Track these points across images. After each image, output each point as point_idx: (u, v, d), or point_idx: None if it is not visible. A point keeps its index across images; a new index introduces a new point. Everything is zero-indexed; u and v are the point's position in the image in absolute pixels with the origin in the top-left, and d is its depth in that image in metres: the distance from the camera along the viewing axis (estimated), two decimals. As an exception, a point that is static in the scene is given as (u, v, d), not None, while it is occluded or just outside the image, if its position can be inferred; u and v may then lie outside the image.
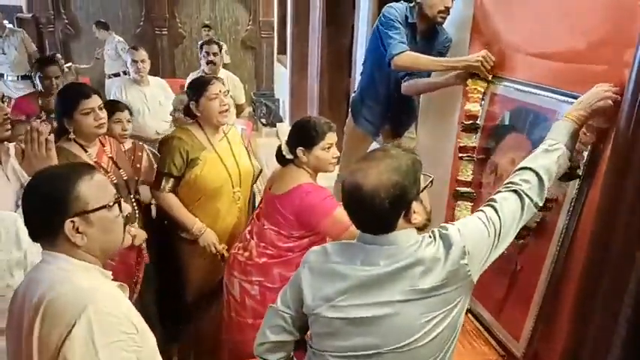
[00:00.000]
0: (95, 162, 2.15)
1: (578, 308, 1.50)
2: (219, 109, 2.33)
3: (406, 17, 2.37)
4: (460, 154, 1.99)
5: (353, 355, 1.26)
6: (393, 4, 2.40)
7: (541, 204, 1.36)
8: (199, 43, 4.45)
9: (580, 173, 1.49)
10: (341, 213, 1.92)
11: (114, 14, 7.46)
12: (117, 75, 6.32)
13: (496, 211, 1.30)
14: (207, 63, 4.15)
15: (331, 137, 2.05)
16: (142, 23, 7.80)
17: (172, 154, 2.30)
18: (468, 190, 1.97)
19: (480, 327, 1.89)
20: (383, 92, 2.60)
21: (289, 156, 2.09)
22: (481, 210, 1.33)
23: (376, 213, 1.21)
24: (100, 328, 1.03)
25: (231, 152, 2.44)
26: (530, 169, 1.36)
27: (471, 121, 1.94)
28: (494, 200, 1.33)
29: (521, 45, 1.78)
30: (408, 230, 1.26)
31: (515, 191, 1.33)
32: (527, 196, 1.33)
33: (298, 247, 2.09)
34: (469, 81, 1.96)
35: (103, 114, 2.16)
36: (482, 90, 1.93)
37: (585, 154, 1.49)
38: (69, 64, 6.24)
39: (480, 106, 1.94)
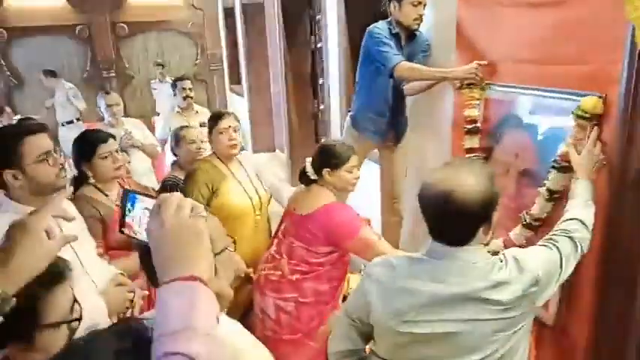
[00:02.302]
0: (117, 206, 2.22)
1: (597, 274, 1.75)
2: (227, 143, 2.48)
3: (389, 30, 2.67)
4: (467, 155, 2.23)
5: None
6: (374, 24, 2.70)
7: (586, 252, 1.53)
8: (173, 79, 4.59)
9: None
10: (366, 232, 2.14)
11: (57, 62, 7.32)
12: (70, 122, 6.23)
13: (559, 249, 1.42)
14: (185, 98, 4.25)
15: (354, 160, 2.26)
16: (88, 68, 7.71)
17: (198, 185, 2.42)
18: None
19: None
20: (383, 103, 2.85)
21: (314, 177, 2.26)
22: (546, 245, 1.45)
23: (464, 218, 1.23)
24: None
25: (249, 178, 2.58)
26: (580, 221, 1.53)
27: (472, 125, 2.19)
28: (555, 240, 1.46)
29: (508, 53, 2.05)
30: (480, 248, 1.31)
31: (571, 238, 1.47)
32: (580, 244, 1.49)
33: (328, 262, 2.24)
34: (465, 90, 2.21)
35: (121, 157, 2.26)
36: (478, 97, 2.18)
37: (581, 149, 1.73)
38: (17, 115, 6.07)
39: (478, 110, 2.20)
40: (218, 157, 2.53)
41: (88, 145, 2.23)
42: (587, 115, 1.68)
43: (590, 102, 1.68)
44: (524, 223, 1.93)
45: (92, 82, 7.48)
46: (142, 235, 0.85)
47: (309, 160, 2.31)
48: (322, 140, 3.56)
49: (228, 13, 7.27)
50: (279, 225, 2.45)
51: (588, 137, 1.71)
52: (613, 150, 1.65)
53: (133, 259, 2.21)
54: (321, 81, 4.68)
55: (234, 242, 2.38)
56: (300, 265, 2.25)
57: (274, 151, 6.39)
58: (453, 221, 1.25)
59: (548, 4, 1.85)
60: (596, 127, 1.67)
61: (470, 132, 2.21)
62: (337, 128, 3.98)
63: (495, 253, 2.00)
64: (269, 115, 6.16)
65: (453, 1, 2.32)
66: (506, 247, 2.04)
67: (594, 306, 1.80)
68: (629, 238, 1.66)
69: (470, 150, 2.22)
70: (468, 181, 1.22)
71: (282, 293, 2.28)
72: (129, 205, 0.89)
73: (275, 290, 2.29)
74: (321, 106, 4.84)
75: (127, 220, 0.90)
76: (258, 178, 2.70)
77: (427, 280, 1.28)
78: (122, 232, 0.91)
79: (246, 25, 6.43)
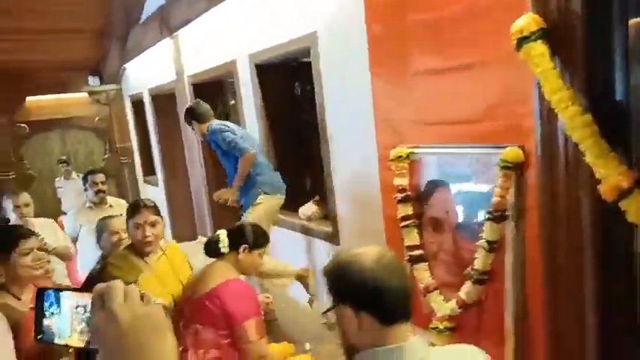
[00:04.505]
0: (31, 309, 1.96)
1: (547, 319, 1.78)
2: (140, 239, 2.32)
3: None
4: (402, 224, 2.25)
5: None
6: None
7: None
8: (84, 174, 4.26)
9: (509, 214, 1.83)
10: (253, 325, 2.02)
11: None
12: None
13: None
14: (97, 193, 3.98)
15: (266, 248, 2.36)
16: (-17, 171, 7.11)
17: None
18: (420, 251, 2.21)
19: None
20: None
21: (225, 250, 2.22)
22: None
23: None
24: None
25: (172, 270, 2.38)
26: None
27: (404, 193, 2.24)
28: None
29: (427, 116, 2.16)
30: None
31: None
32: None
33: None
34: (393, 162, 2.26)
35: (42, 255, 2.04)
36: (406, 165, 2.25)
37: (509, 197, 1.83)
38: None
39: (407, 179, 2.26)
40: (134, 250, 2.35)
41: (6, 241, 1.99)
42: (510, 165, 1.78)
43: (512, 152, 1.78)
44: (473, 279, 1.94)
45: (-13, 187, 6.87)
46: (71, 340, 0.71)
47: (224, 231, 2.29)
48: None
49: (136, 104, 7.17)
50: (177, 323, 2.20)
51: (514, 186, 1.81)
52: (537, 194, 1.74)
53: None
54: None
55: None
56: (209, 352, 2.06)
57: (196, 239, 6.12)
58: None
59: (454, 69, 2.00)
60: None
61: (402, 200, 2.25)
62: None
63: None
64: (188, 202, 5.96)
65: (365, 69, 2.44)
66: (460, 307, 2.03)
67: (547, 354, 1.81)
68: (568, 279, 1.71)
69: (405, 217, 2.24)
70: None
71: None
72: (47, 306, 0.74)
73: None
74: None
75: (46, 323, 0.74)
76: (190, 267, 2.54)
77: None
78: (40, 340, 0.74)
79: (157, 115, 6.34)
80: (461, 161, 2.04)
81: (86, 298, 0.69)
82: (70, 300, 0.72)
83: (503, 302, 1.92)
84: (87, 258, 3.81)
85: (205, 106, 3.54)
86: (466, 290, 1.99)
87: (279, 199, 3.37)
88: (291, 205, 3.71)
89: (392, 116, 2.35)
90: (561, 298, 1.72)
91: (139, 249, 2.34)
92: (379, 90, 2.42)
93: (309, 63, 3.04)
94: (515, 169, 1.79)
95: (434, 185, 2.19)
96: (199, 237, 6.01)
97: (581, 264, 1.67)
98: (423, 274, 2.19)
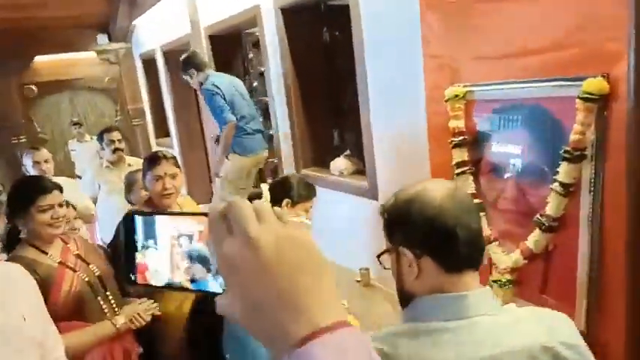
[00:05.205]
0: (60, 263, 1.85)
1: (629, 277, 1.60)
2: (160, 192, 2.20)
3: None
4: (457, 170, 2.06)
5: None
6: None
7: None
8: (98, 133, 4.08)
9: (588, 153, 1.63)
10: None
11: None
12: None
13: None
14: (114, 151, 3.81)
15: (314, 201, 2.28)
16: (-6, 136, 6.95)
17: None
18: (477, 200, 2.03)
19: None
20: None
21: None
22: None
23: None
24: None
25: None
26: None
27: (460, 137, 2.04)
28: None
29: (489, 49, 1.94)
30: None
31: None
32: None
33: None
34: (448, 102, 2.06)
35: (63, 210, 1.88)
36: (462, 106, 2.04)
37: (590, 134, 1.63)
38: None
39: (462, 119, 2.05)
40: (153, 204, 2.24)
41: (24, 195, 1.85)
42: (594, 97, 1.58)
43: (595, 83, 1.57)
44: (544, 227, 1.76)
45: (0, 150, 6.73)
46: (174, 280, 0.53)
47: (266, 185, 2.20)
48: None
49: (147, 63, 6.93)
50: None
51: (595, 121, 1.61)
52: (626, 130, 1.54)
53: (87, 334, 1.80)
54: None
55: (160, 319, 2.09)
56: None
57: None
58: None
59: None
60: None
61: (458, 145, 2.05)
62: (289, 165, 3.73)
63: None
64: (204, 164, 5.80)
65: (415, 3, 2.20)
66: (525, 258, 1.87)
67: (628, 313, 1.64)
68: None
69: (461, 164, 2.05)
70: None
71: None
72: (138, 237, 0.55)
73: None
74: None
75: (139, 259, 0.55)
76: None
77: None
78: (133, 283, 0.55)
79: (170, 74, 6.11)
80: (527, 98, 1.83)
81: (191, 224, 0.51)
82: (168, 227, 0.53)
83: (575, 252, 1.74)
84: (106, 219, 3.68)
85: (201, 56, 3.90)
86: (534, 239, 1.81)
87: (252, 159, 3.73)
88: (320, 161, 3.54)
89: (445, 52, 2.13)
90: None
91: (158, 202, 2.22)
92: (430, 21, 2.18)
93: (339, 6, 2.80)
94: (599, 102, 1.59)
95: (496, 127, 1.98)
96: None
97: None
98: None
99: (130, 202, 2.91)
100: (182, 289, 0.53)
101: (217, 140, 3.89)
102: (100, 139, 3.95)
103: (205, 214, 0.48)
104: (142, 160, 4.31)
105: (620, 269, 1.63)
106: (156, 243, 0.54)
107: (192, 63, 3.74)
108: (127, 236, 0.56)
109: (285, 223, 0.43)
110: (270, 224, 0.42)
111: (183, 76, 3.87)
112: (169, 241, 0.53)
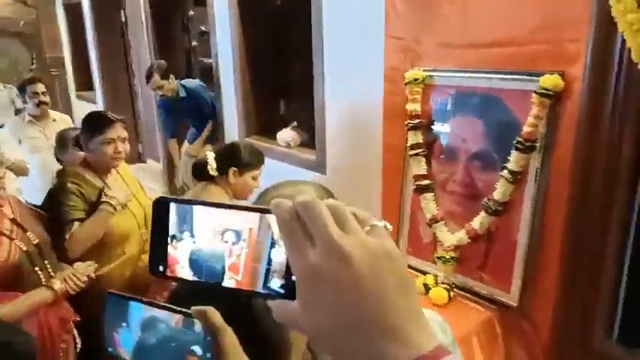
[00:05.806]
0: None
1: (565, 248, 1.77)
2: (112, 154, 2.13)
3: None
4: (411, 152, 2.12)
5: None
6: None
7: None
8: (18, 84, 3.73)
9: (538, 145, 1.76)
10: None
11: None
12: None
13: None
14: (38, 104, 3.51)
15: (261, 169, 2.19)
16: None
17: (72, 198, 2.02)
18: (428, 181, 2.11)
19: (468, 294, 2.04)
20: None
21: (214, 173, 2.09)
22: None
23: None
24: None
25: (130, 191, 2.20)
26: None
27: (417, 120, 2.10)
28: None
29: (453, 38, 1.99)
30: None
31: None
32: None
33: None
34: (407, 86, 2.10)
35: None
36: (420, 90, 2.09)
37: (541, 127, 1.74)
38: None
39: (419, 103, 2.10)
40: (91, 168, 2.14)
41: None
42: (549, 93, 1.69)
43: (551, 80, 1.68)
44: (490, 210, 1.88)
45: None
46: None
47: (211, 153, 2.15)
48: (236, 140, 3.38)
49: (71, 9, 6.36)
50: None
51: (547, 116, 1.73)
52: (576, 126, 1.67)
53: (22, 302, 1.68)
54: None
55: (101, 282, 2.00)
56: None
57: (143, 162, 5.71)
58: None
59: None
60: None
61: (413, 128, 2.11)
62: (233, 133, 3.64)
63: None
64: (132, 127, 5.47)
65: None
66: (470, 237, 1.98)
67: (559, 288, 1.82)
68: (594, 214, 1.69)
69: (415, 146, 2.12)
70: None
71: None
72: (172, 228, 0.47)
73: None
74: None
75: (172, 254, 0.47)
76: (142, 189, 2.37)
77: None
78: (162, 275, 0.48)
79: (97, 23, 5.66)
80: (485, 88, 1.91)
81: (238, 219, 0.44)
82: (209, 219, 0.45)
83: (515, 236, 1.89)
84: (28, 178, 3.41)
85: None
86: (479, 221, 1.93)
87: None
88: (266, 130, 3.49)
89: (407, 35, 2.16)
90: (585, 231, 1.71)
91: (101, 165, 2.14)
92: (394, 3, 2.19)
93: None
94: (553, 98, 1.70)
95: (451, 112, 2.06)
96: (148, 161, 5.63)
97: (613, 198, 1.65)
98: (429, 205, 2.11)
99: (60, 160, 2.71)
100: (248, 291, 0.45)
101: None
102: (22, 90, 3.62)
103: (260, 210, 0.43)
104: (67, 117, 4.05)
105: (555, 253, 1.80)
106: (192, 235, 0.47)
107: (167, 70, 3.77)
108: (158, 223, 0.52)
109: (371, 228, 0.40)
110: (357, 234, 0.38)
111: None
112: (212, 235, 0.46)
